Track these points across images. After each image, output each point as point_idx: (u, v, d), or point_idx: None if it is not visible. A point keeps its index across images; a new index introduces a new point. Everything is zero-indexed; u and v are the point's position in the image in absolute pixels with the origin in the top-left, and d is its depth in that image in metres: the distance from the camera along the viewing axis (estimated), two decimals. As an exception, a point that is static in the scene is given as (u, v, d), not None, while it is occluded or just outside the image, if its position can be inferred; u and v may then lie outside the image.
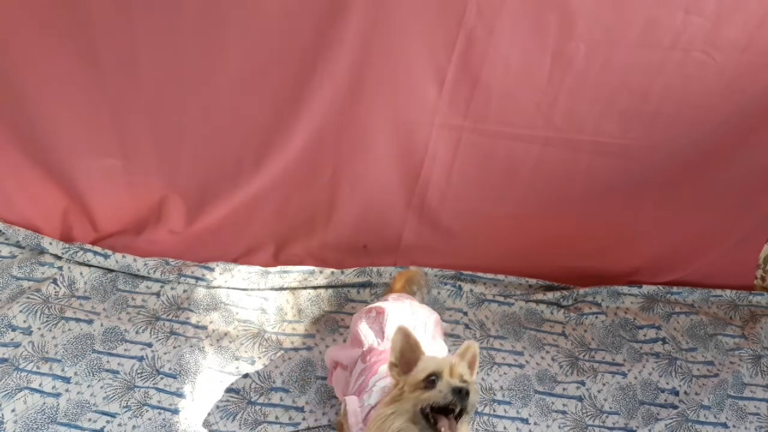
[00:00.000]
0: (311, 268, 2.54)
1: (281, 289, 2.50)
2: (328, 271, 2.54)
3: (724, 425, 2.20)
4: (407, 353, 1.56)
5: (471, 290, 2.57)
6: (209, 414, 2.09)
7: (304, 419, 2.11)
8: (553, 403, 2.23)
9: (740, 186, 2.41)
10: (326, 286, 2.53)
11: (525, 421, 2.16)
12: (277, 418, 2.10)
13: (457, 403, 1.39)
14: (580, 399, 2.25)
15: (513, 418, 2.17)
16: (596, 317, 2.52)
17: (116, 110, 2.23)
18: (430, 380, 1.46)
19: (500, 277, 2.62)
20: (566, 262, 2.66)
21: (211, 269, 2.49)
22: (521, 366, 2.33)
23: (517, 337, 2.44)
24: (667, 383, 2.31)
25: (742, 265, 2.63)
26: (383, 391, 1.64)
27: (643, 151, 2.28)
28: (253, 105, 2.19)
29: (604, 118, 2.19)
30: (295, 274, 2.52)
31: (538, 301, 2.56)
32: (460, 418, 1.42)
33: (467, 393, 1.39)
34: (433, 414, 1.42)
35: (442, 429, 1.39)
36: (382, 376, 1.69)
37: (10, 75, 2.14)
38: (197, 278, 2.45)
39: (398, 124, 2.23)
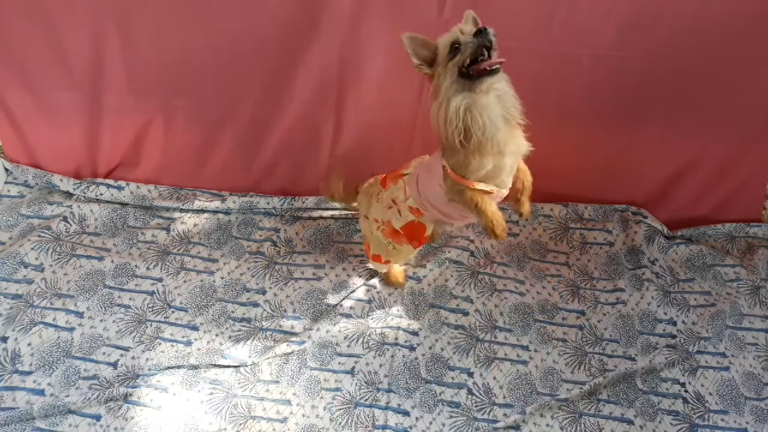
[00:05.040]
0: (320, 198, 2.40)
1: (292, 218, 2.38)
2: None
3: (723, 354, 2.09)
4: (421, 51, 1.57)
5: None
6: (221, 343, 2.03)
7: (309, 337, 2.06)
8: (553, 331, 2.13)
9: (748, 107, 2.18)
10: (336, 217, 2.39)
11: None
12: (288, 343, 2.04)
13: (484, 42, 1.45)
14: (580, 328, 2.14)
15: (513, 345, 2.09)
16: (600, 248, 2.36)
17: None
18: (455, 48, 1.50)
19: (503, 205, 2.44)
20: (567, 190, 2.48)
21: (223, 198, 2.37)
22: (522, 294, 2.22)
23: (521, 267, 2.30)
24: (665, 313, 2.18)
25: (750, 198, 2.43)
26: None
27: (643, 63, 2.08)
28: (256, 35, 2.02)
29: (602, 30, 1.99)
30: (301, 202, 2.38)
31: (544, 228, 2.41)
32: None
33: (485, 28, 1.45)
34: (473, 68, 1.48)
35: (484, 65, 1.46)
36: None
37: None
38: (206, 210, 2.34)
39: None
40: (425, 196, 1.78)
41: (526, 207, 1.75)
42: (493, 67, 1.46)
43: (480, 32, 1.44)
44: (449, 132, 1.54)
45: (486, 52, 1.46)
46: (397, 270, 2.18)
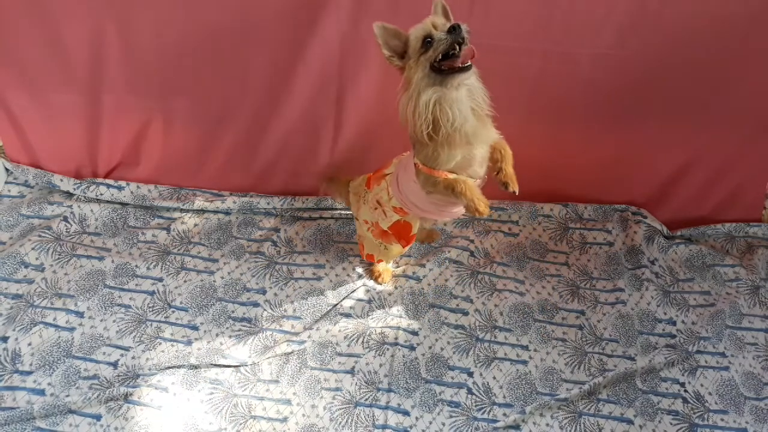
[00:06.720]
0: (320, 198, 2.40)
1: (292, 218, 2.37)
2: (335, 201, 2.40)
3: (722, 354, 2.08)
4: (392, 41, 1.56)
5: (477, 219, 2.40)
6: (221, 343, 2.01)
7: (309, 337, 2.05)
8: (553, 331, 2.12)
9: (748, 106, 2.17)
10: (336, 217, 2.39)
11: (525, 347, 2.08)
12: (288, 343, 2.04)
13: (457, 38, 1.45)
14: (580, 327, 2.13)
15: (513, 345, 2.08)
16: (600, 248, 2.35)
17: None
18: (427, 42, 1.50)
19: (503, 205, 2.44)
20: (567, 190, 2.48)
21: (223, 198, 2.36)
22: (522, 294, 2.21)
23: (520, 267, 2.29)
24: (665, 313, 2.17)
25: (749, 198, 2.42)
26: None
27: (643, 63, 2.07)
28: (255, 34, 2.02)
29: (601, 29, 1.99)
30: (301, 202, 2.38)
31: (544, 228, 2.40)
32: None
33: (458, 25, 1.45)
34: (445, 63, 1.49)
35: (457, 61, 1.47)
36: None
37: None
38: (206, 210, 2.33)
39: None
40: (406, 194, 1.79)
41: (509, 173, 1.64)
42: (466, 64, 1.47)
43: (453, 29, 1.45)
44: (417, 125, 1.56)
45: (458, 48, 1.46)
46: (384, 266, 2.19)
